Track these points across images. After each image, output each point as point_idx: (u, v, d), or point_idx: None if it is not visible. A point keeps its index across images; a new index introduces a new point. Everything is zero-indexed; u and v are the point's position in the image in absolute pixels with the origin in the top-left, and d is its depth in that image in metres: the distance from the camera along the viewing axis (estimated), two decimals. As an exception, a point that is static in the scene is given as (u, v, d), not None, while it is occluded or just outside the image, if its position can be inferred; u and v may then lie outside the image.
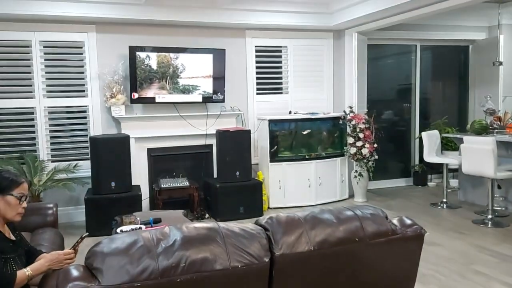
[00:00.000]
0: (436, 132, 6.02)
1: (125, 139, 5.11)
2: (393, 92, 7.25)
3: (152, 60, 5.44)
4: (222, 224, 1.78)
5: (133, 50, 5.33)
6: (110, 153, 4.96)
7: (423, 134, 5.84)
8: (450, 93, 7.60)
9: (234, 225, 1.80)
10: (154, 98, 5.51)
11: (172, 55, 5.52)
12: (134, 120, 5.50)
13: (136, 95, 5.42)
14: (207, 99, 5.77)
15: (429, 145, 5.77)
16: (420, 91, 7.18)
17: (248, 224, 1.83)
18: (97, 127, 5.49)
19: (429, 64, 7.35)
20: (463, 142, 5.10)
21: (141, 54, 5.38)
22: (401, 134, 7.26)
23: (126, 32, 5.52)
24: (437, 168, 6.77)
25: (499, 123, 5.61)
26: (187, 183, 5.37)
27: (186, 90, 5.64)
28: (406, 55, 7.18)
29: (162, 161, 5.76)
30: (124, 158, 5.07)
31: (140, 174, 5.52)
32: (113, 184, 4.95)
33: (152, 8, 5.28)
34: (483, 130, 5.42)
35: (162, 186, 5.26)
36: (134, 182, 5.25)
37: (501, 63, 6.57)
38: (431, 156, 5.78)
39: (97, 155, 4.95)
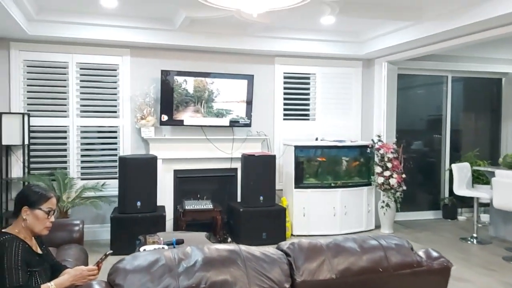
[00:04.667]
0: (467, 164, 5.87)
1: (153, 160, 5.19)
2: (423, 123, 7.15)
3: (189, 84, 5.58)
4: (243, 247, 1.77)
5: (164, 73, 5.48)
6: (138, 173, 5.04)
7: (454, 166, 5.70)
8: (482, 126, 7.44)
9: (256, 249, 1.79)
10: (182, 120, 5.61)
11: (208, 79, 5.65)
12: (162, 141, 5.60)
13: (165, 117, 5.53)
14: (234, 123, 5.83)
15: (460, 177, 5.62)
16: (451, 122, 7.04)
17: (269, 249, 1.82)
18: (126, 147, 5.61)
19: (461, 96, 7.24)
20: (495, 176, 4.95)
21: (179, 78, 5.53)
22: (431, 165, 7.11)
23: (158, 56, 5.69)
24: (467, 202, 6.56)
25: (533, 157, 5.43)
26: (211, 205, 5.38)
27: (220, 114, 5.74)
28: (437, 86, 7.09)
29: (187, 182, 5.81)
30: (151, 179, 5.14)
31: (165, 195, 5.58)
32: (138, 203, 5.01)
33: (184, 34, 5.43)
34: (516, 164, 5.26)
35: (187, 207, 5.28)
36: (159, 203, 5.30)
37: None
38: (462, 189, 5.62)
39: (125, 175, 5.04)
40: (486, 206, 6.32)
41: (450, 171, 6.08)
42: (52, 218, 2.37)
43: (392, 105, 6.28)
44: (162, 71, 5.49)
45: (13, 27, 4.62)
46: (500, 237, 5.71)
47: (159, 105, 5.56)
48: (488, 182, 6.04)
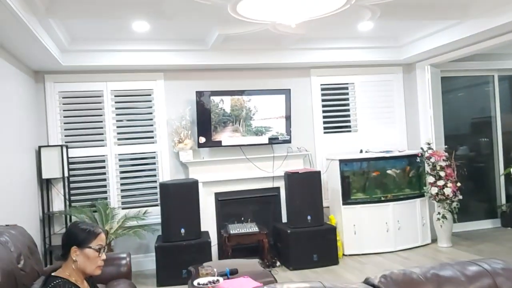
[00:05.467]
0: (527, 167, 5.45)
1: (194, 184, 5.01)
2: (467, 127, 6.75)
3: (226, 103, 5.43)
4: (327, 284, 1.52)
5: (199, 94, 5.34)
6: (180, 198, 4.86)
7: (514, 170, 5.30)
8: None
9: (341, 285, 1.54)
10: (220, 141, 5.44)
11: (245, 97, 5.48)
12: (201, 164, 5.42)
13: (203, 139, 5.37)
14: (273, 140, 5.62)
15: (521, 182, 5.21)
16: (501, 124, 6.61)
17: (357, 285, 1.57)
18: (165, 172, 5.46)
19: (508, 95, 6.81)
20: None
21: (215, 98, 5.38)
22: (481, 170, 6.66)
23: (192, 77, 5.56)
24: (528, 208, 6.11)
25: None
26: (256, 228, 5.14)
27: (259, 132, 5.55)
28: (481, 87, 6.70)
29: (229, 205, 5.60)
30: (193, 203, 4.95)
31: (208, 220, 5.37)
32: (182, 230, 4.82)
33: (217, 52, 5.29)
34: None
35: (231, 232, 5.06)
36: (202, 228, 5.09)
37: None
38: (524, 194, 5.20)
39: (166, 201, 4.87)
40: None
41: (506, 175, 5.66)
42: (104, 256, 2.19)
43: (438, 110, 5.94)
44: (197, 92, 5.35)
45: (47, 59, 4.57)
46: None
47: (196, 127, 5.41)
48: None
